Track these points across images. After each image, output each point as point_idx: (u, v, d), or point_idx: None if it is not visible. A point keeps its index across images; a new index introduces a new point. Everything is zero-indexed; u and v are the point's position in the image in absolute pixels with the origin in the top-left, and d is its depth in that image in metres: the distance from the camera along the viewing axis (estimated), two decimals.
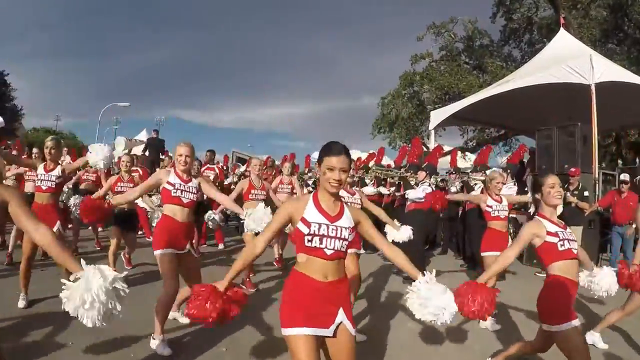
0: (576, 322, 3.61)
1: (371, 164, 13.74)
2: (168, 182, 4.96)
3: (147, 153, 17.85)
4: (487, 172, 7.69)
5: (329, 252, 2.89)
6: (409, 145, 14.00)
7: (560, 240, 3.69)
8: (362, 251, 6.12)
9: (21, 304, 5.73)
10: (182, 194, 4.96)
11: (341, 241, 2.92)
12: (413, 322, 6.04)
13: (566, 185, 9.61)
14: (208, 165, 12.37)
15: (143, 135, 25.65)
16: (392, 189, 10.97)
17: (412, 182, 9.24)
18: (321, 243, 2.88)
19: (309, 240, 2.88)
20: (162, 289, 4.82)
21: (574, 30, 20.39)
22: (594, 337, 5.35)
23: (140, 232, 10.73)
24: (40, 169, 6.28)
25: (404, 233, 6.15)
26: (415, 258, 8.45)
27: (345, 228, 2.95)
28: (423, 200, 8.56)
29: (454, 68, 26.93)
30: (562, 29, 15.97)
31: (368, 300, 7.04)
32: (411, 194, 8.65)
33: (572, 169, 9.57)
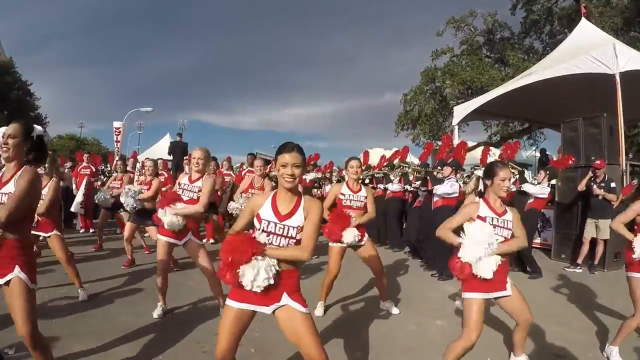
0: (481, 295, 3.93)
1: (396, 161, 13.68)
2: (178, 184, 5.83)
3: (171, 157, 18.05)
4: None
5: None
6: (434, 142, 13.92)
7: None
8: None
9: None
10: (182, 192, 5.71)
11: (287, 239, 3.17)
12: (442, 320, 6.08)
13: (593, 178, 9.54)
14: (249, 168, 12.03)
15: (166, 140, 25.90)
16: (418, 182, 10.93)
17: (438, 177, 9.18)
18: (268, 238, 3.16)
19: (259, 236, 3.17)
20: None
21: (595, 20, 20.15)
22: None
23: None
24: None
25: None
26: (446, 255, 8.52)
27: (293, 227, 3.17)
28: (452, 196, 8.54)
29: (475, 62, 26.71)
30: (583, 18, 15.78)
31: (397, 298, 7.04)
32: (440, 190, 8.61)
33: (597, 161, 9.47)
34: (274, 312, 3.21)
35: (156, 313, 5.75)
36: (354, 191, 6.07)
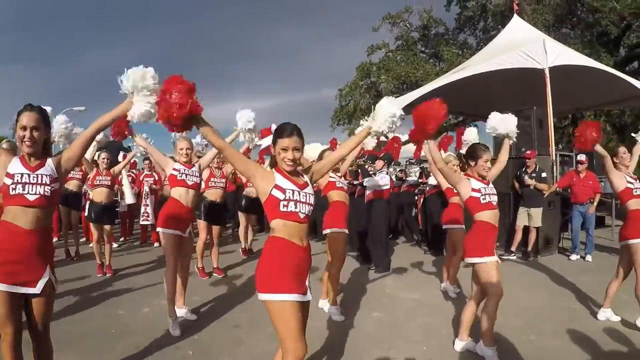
0: (493, 259, 4.39)
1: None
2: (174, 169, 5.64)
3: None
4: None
5: (302, 216, 3.09)
6: None
7: (482, 195, 4.46)
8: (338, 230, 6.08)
9: None
10: (187, 177, 5.62)
11: (309, 206, 3.13)
12: (379, 312, 6.08)
13: (523, 168, 9.75)
14: None
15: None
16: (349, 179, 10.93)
17: (371, 172, 9.21)
18: (296, 207, 3.06)
19: (284, 206, 3.04)
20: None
21: (527, 16, 20.67)
22: (605, 314, 5.71)
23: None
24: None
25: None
26: (380, 247, 8.54)
27: (311, 194, 3.18)
28: (382, 188, 8.57)
29: (410, 57, 27.06)
30: (515, 15, 16.14)
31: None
32: (370, 182, 8.64)
33: (528, 152, 9.68)
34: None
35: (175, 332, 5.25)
36: (340, 176, 6.18)
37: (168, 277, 5.37)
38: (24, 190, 3.12)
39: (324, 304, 6.05)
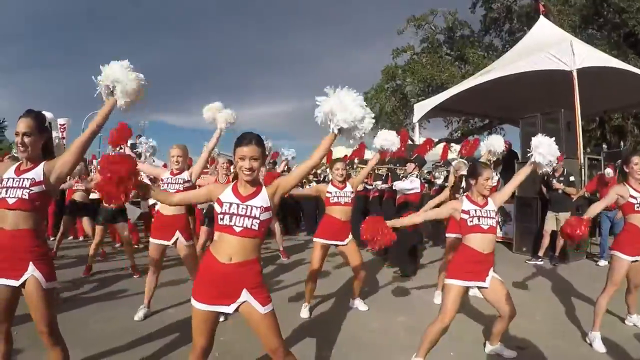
0: (460, 283, 4.25)
1: (356, 160, 13.51)
2: (161, 179, 5.80)
3: None
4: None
5: (237, 230, 3.05)
6: None
7: (470, 217, 4.30)
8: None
9: None
10: (168, 186, 5.68)
11: (251, 219, 3.06)
12: (404, 316, 6.07)
13: (551, 172, 9.66)
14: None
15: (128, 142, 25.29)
16: (378, 182, 10.88)
17: (400, 174, 9.19)
18: (231, 221, 3.05)
19: (221, 219, 3.08)
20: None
21: (553, 18, 20.45)
22: (632, 319, 5.75)
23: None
24: None
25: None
26: (409, 252, 8.52)
27: (257, 207, 3.09)
28: (412, 192, 8.54)
29: (435, 60, 26.91)
30: (541, 16, 15.99)
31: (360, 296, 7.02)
32: (399, 185, 8.61)
33: None
34: (237, 309, 3.10)
35: (137, 316, 5.70)
36: (340, 188, 6.09)
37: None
38: (6, 194, 3.24)
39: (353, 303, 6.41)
